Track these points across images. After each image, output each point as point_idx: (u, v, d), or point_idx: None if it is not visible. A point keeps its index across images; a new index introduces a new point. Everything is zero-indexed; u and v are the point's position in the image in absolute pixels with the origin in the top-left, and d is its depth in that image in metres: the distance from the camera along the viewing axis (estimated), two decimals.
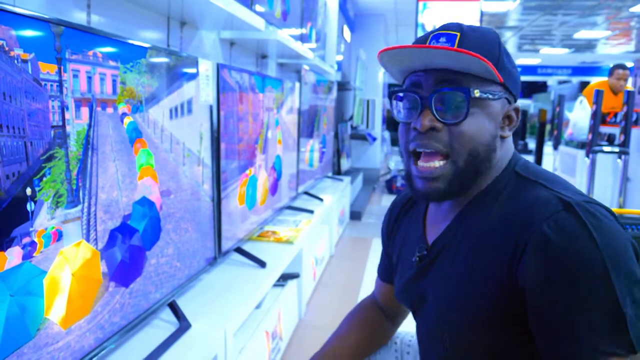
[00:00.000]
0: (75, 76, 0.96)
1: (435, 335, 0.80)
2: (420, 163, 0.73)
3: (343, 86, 5.40)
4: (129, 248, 1.17)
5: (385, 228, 0.99)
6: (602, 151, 3.48)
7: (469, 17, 4.84)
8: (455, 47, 0.71)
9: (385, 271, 1.02)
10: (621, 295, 0.60)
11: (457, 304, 0.74)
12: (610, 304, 0.60)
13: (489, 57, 0.70)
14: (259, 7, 2.25)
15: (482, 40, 0.73)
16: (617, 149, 3.44)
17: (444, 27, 0.75)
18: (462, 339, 0.76)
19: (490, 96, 0.72)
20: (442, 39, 0.72)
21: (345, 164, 5.33)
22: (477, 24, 4.84)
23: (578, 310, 0.61)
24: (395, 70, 0.79)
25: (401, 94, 0.77)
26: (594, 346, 0.60)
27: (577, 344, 0.61)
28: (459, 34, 0.72)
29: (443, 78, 0.72)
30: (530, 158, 6.17)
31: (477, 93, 0.71)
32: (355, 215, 4.71)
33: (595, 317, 0.60)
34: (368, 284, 2.90)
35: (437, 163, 0.72)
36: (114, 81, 1.10)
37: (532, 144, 6.46)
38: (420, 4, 4.90)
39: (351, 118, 6.46)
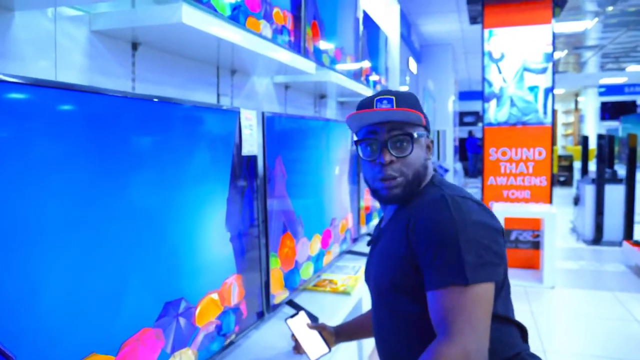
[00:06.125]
0: None
1: (377, 300, 1.13)
2: (384, 178, 1.08)
3: None
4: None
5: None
6: None
7: (539, 41, 4.56)
8: (395, 105, 1.08)
9: None
10: (465, 249, 0.92)
11: (382, 270, 1.08)
12: (455, 254, 0.93)
13: (417, 109, 1.08)
14: (320, 44, 2.21)
15: (410, 99, 1.11)
16: None
17: (381, 93, 1.10)
18: (385, 295, 1.08)
19: (421, 135, 1.10)
20: (385, 102, 1.09)
21: None
22: (549, 47, 4.55)
23: (436, 256, 0.94)
24: (354, 125, 1.13)
25: (365, 141, 1.11)
26: (443, 277, 0.93)
27: (435, 275, 0.94)
28: (394, 97, 1.09)
29: (392, 127, 1.08)
30: (620, 188, 5.62)
31: (416, 135, 1.08)
32: None
33: (445, 260, 0.93)
34: None
35: (396, 180, 1.08)
36: None
37: (622, 171, 5.88)
38: (486, 31, 4.69)
39: None
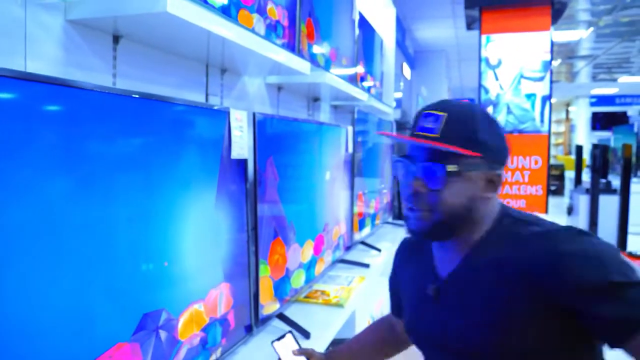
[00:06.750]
0: None
1: None
2: (411, 207, 0.94)
3: (402, 125, 5.20)
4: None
5: (396, 265, 1.16)
6: None
7: (537, 48, 4.51)
8: (441, 126, 0.89)
9: (399, 308, 1.17)
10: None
11: (481, 330, 0.87)
12: (637, 288, 0.77)
13: (464, 138, 0.88)
14: (311, 48, 2.12)
15: (463, 122, 0.89)
16: None
17: (432, 107, 0.93)
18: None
19: (469, 168, 0.89)
20: (431, 119, 0.90)
21: None
22: (547, 55, 4.51)
23: (619, 298, 0.77)
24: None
25: (401, 162, 0.96)
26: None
27: (630, 323, 0.77)
28: (446, 114, 0.90)
29: (429, 156, 0.90)
30: (614, 198, 5.58)
31: (451, 168, 0.88)
32: None
33: (632, 299, 0.77)
34: None
35: (423, 213, 0.92)
36: None
37: (616, 182, 5.84)
38: (484, 37, 4.64)
39: None
